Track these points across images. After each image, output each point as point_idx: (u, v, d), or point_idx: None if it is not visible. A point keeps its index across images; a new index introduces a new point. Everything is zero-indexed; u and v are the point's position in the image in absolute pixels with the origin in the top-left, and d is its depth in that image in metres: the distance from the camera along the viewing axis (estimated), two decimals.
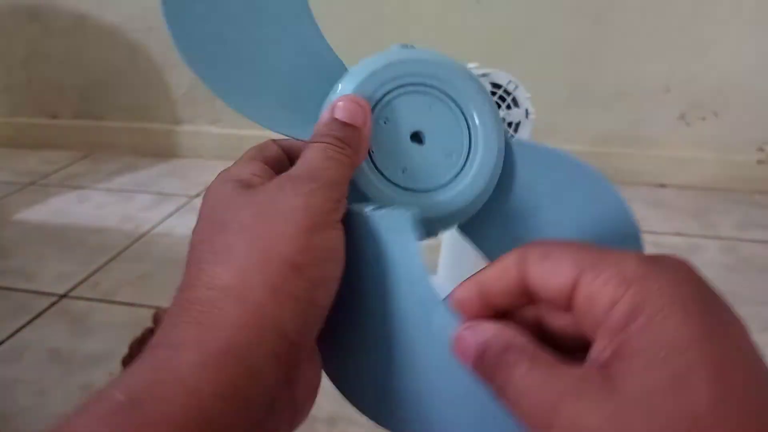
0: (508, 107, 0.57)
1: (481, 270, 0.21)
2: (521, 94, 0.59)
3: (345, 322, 0.24)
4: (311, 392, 0.23)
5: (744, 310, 0.69)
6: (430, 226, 0.26)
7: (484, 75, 0.55)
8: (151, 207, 1.21)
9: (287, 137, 0.27)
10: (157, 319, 0.67)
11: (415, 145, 0.26)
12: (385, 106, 0.26)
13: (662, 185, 1.28)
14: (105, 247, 1.04)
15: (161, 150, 1.49)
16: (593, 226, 0.27)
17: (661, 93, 1.23)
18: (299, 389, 0.22)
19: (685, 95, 1.22)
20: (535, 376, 0.18)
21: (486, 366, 0.20)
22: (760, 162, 1.24)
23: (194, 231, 0.23)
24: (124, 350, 0.66)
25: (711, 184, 1.26)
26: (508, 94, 0.59)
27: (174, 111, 1.48)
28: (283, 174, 0.23)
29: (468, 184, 0.26)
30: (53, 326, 0.83)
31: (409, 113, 0.26)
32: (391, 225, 0.24)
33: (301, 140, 0.26)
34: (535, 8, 1.20)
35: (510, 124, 0.56)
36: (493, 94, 0.56)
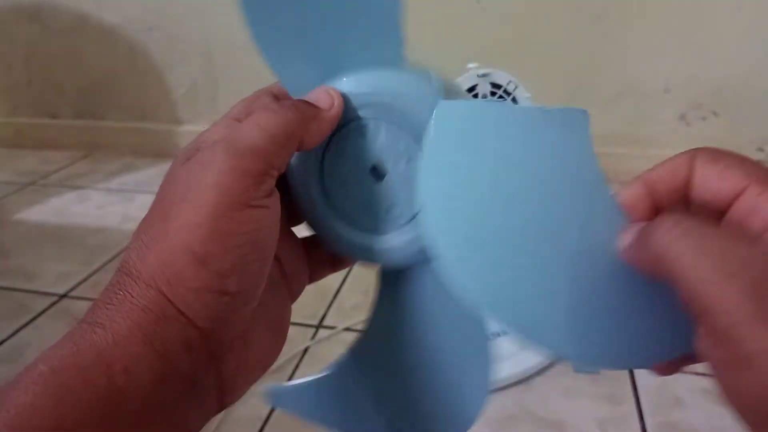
0: None
1: (649, 170, 0.21)
2: (521, 94, 0.60)
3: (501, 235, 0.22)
4: (245, 373, 0.23)
5: None
6: (411, 261, 0.25)
7: (484, 75, 0.55)
8: None
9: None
10: None
11: (370, 178, 0.25)
12: (351, 129, 0.24)
13: None
14: (105, 247, 1.04)
15: (161, 150, 1.49)
16: None
17: (661, 93, 1.23)
18: (227, 372, 0.22)
19: (685, 95, 1.22)
20: (711, 245, 0.17)
21: (654, 245, 0.18)
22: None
23: None
24: None
25: None
26: (508, 94, 0.60)
27: (174, 111, 1.48)
28: (212, 140, 0.22)
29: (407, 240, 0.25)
30: (53, 326, 0.83)
31: (373, 145, 0.24)
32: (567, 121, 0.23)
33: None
34: (535, 8, 1.20)
35: None
36: (493, 94, 0.56)
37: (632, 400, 0.66)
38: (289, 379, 0.70)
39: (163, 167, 1.33)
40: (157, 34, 1.41)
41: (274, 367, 0.84)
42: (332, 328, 0.79)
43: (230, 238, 0.20)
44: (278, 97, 0.26)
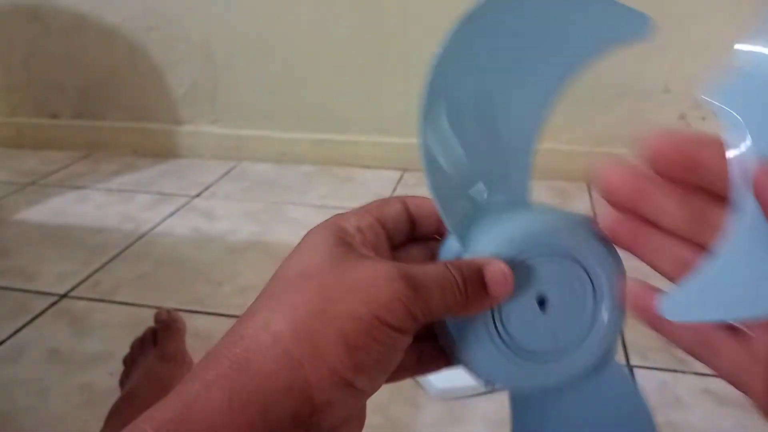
0: None
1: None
2: None
3: None
4: None
5: None
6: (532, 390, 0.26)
7: None
8: (151, 207, 1.21)
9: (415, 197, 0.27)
10: (158, 318, 0.67)
11: (539, 310, 0.25)
12: (533, 262, 0.25)
13: None
14: (105, 247, 1.04)
15: (161, 150, 1.49)
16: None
17: (660, 93, 1.23)
18: None
19: (684, 95, 1.22)
20: None
21: None
22: None
23: (275, 274, 0.23)
24: (125, 350, 0.66)
25: None
26: None
27: (174, 111, 1.48)
28: (392, 262, 0.23)
29: (572, 359, 0.26)
30: (53, 326, 0.83)
31: (546, 278, 0.25)
32: None
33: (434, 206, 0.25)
34: None
35: None
36: None
37: None
38: None
39: (163, 167, 1.34)
40: (157, 34, 1.41)
41: None
42: None
43: (378, 343, 0.21)
44: (411, 212, 0.27)
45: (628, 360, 0.73)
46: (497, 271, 0.24)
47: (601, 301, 0.25)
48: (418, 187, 1.28)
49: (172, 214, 1.18)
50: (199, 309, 0.83)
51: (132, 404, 0.57)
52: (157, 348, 0.64)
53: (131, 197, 1.26)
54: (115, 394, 0.60)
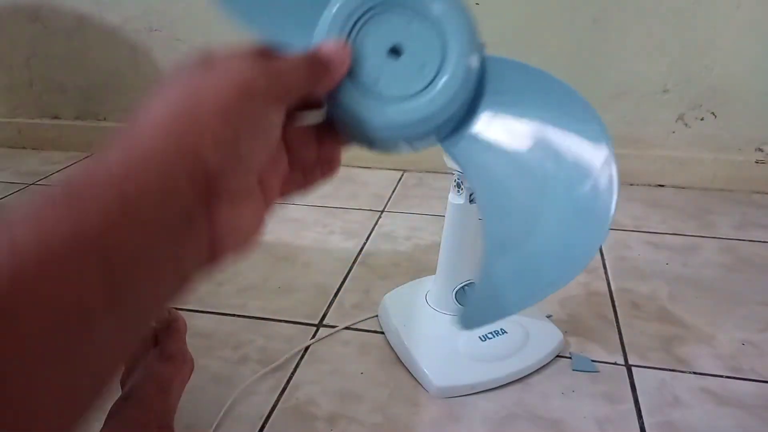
0: None
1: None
2: None
3: None
4: (232, 232, 0.25)
5: (743, 310, 0.71)
6: (408, 136, 0.30)
7: None
8: None
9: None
10: (159, 318, 0.67)
11: (391, 59, 0.29)
12: (368, 21, 0.29)
13: (661, 185, 1.28)
14: None
15: None
16: (555, 120, 0.31)
17: (659, 93, 1.23)
18: (218, 223, 0.24)
19: (683, 96, 1.22)
20: None
21: None
22: (758, 162, 1.24)
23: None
24: None
25: (709, 185, 1.26)
26: None
27: None
28: (256, 60, 0.26)
29: (438, 91, 0.29)
30: None
31: (389, 30, 0.29)
32: None
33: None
34: (534, 9, 1.20)
35: None
36: None
37: (631, 399, 0.67)
38: (289, 379, 0.70)
39: None
40: (158, 35, 1.41)
41: (274, 365, 0.84)
42: (333, 327, 0.79)
43: (251, 114, 0.24)
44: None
45: (626, 359, 0.73)
46: (328, 46, 0.29)
47: (449, 52, 0.29)
48: (418, 188, 1.28)
49: None
50: (199, 308, 0.84)
51: (132, 404, 0.58)
52: (157, 348, 0.64)
53: None
54: (116, 394, 0.61)
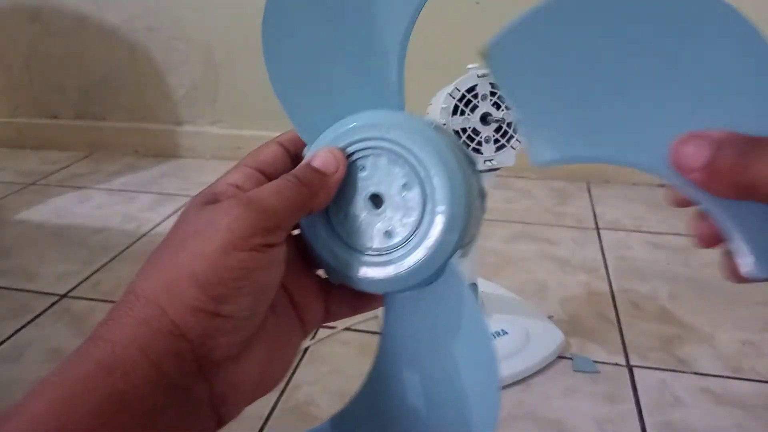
0: (508, 108, 0.57)
1: None
2: None
3: None
4: (237, 392, 0.25)
5: (744, 311, 0.70)
6: (352, 282, 0.28)
7: (483, 75, 0.56)
8: (152, 207, 1.21)
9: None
10: None
11: (369, 204, 0.27)
12: (367, 156, 0.27)
13: (662, 185, 1.28)
14: (106, 247, 1.04)
15: (162, 150, 1.50)
16: None
17: None
18: (219, 388, 0.24)
19: None
20: None
21: (723, 165, 0.22)
22: None
23: None
24: None
25: None
26: None
27: (175, 111, 1.48)
28: (236, 197, 0.25)
29: (395, 265, 0.26)
30: (54, 326, 0.83)
31: (384, 175, 0.27)
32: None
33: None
34: None
35: (510, 124, 0.56)
36: (493, 94, 0.56)
37: (632, 399, 0.67)
38: (289, 379, 0.70)
39: (164, 167, 1.34)
40: (157, 35, 1.41)
41: None
42: (332, 328, 0.79)
43: (230, 271, 0.23)
44: (287, 149, 0.29)
45: (627, 359, 0.73)
46: (323, 154, 0.27)
47: (433, 206, 0.26)
48: None
49: (173, 214, 1.18)
50: None
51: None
52: None
53: (132, 197, 1.27)
54: None
